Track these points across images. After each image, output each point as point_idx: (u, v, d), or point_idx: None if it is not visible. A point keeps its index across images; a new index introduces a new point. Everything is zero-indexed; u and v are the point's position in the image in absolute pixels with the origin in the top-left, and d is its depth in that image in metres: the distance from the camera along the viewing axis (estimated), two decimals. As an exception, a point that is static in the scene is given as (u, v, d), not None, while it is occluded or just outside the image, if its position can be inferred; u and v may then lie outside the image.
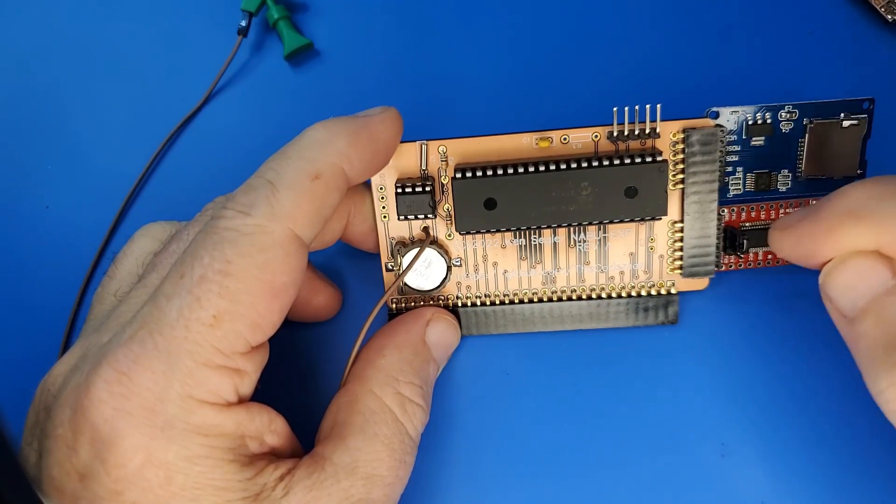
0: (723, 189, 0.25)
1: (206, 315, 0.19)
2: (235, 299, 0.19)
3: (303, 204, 0.21)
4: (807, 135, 0.25)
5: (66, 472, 0.19)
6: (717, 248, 0.25)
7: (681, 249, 0.25)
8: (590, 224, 0.24)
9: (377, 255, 0.26)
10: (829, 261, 0.20)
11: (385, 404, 0.23)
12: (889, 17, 0.28)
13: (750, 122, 0.25)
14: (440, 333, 0.25)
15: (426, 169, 0.25)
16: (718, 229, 0.25)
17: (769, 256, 0.26)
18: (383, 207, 0.26)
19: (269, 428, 0.21)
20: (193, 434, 0.19)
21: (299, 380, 0.27)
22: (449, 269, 0.26)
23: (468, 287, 0.26)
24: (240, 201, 0.20)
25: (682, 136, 0.24)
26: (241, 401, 0.20)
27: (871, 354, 0.19)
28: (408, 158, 0.25)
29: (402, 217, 0.25)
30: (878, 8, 0.29)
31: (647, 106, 0.24)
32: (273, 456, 0.21)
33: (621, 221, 0.24)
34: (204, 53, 0.31)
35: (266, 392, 0.22)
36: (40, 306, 0.29)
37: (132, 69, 0.32)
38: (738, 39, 0.29)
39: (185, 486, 0.19)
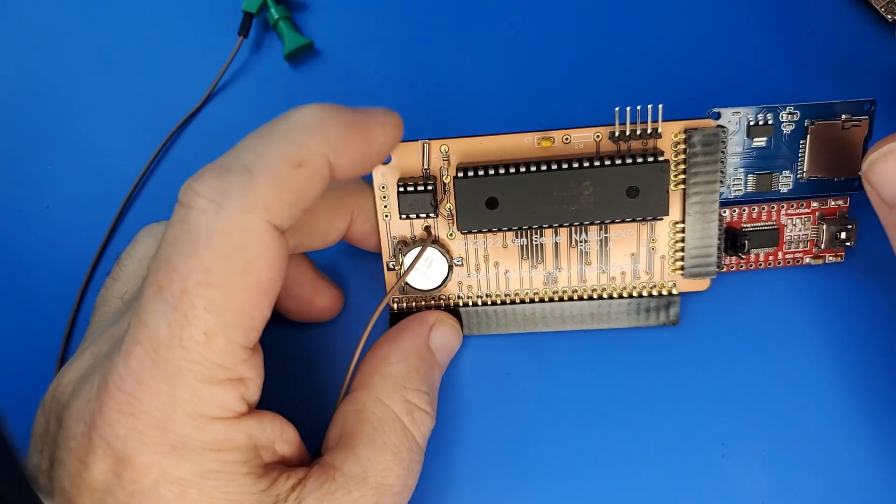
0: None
1: (197, 333, 0.18)
2: (223, 311, 0.18)
3: (282, 194, 0.19)
4: (808, 136, 0.25)
5: (77, 485, 0.19)
6: (719, 248, 0.25)
7: (682, 250, 0.25)
8: (591, 224, 0.24)
9: (378, 255, 0.26)
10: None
11: (393, 412, 0.23)
12: (889, 17, 0.28)
13: (751, 123, 0.25)
14: (444, 338, 0.25)
15: (428, 168, 0.25)
16: (720, 230, 0.25)
17: (770, 257, 0.26)
18: (385, 206, 0.26)
19: (281, 437, 0.21)
20: (206, 451, 0.19)
21: (301, 380, 0.27)
22: (450, 268, 0.26)
23: (469, 287, 0.26)
24: (211, 184, 0.18)
25: (683, 136, 0.24)
26: (251, 408, 0.20)
27: None
28: (410, 157, 0.25)
29: (403, 216, 0.25)
30: (878, 8, 0.29)
31: (649, 106, 0.24)
32: (283, 465, 0.21)
33: (623, 221, 0.24)
34: (204, 53, 0.31)
35: (268, 393, 0.22)
36: (40, 306, 0.29)
37: (132, 69, 0.32)
38: (739, 40, 0.29)
39: (199, 501, 0.19)
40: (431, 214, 0.25)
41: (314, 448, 0.23)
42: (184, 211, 0.19)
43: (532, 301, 0.26)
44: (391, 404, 0.23)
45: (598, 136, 0.24)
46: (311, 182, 0.19)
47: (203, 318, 0.18)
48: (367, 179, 0.25)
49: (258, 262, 0.19)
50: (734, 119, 0.25)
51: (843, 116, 0.25)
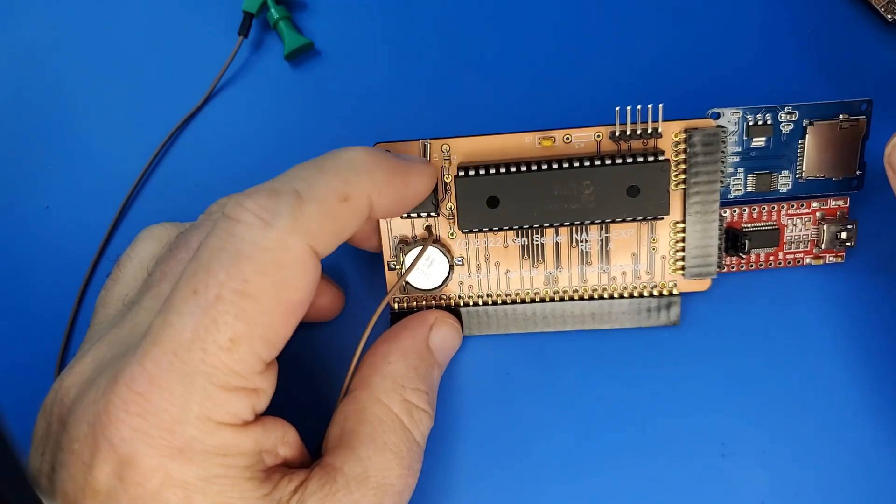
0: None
1: (223, 338, 0.19)
2: (253, 321, 0.19)
3: (326, 223, 0.20)
4: (806, 136, 0.25)
5: (80, 488, 0.19)
6: (719, 248, 0.25)
7: (683, 250, 0.25)
8: (592, 223, 0.24)
9: (378, 255, 0.26)
10: None
11: (393, 412, 0.23)
12: (889, 17, 0.29)
13: (750, 123, 0.25)
14: (444, 337, 0.25)
15: (429, 168, 0.25)
16: (720, 230, 0.25)
17: (771, 258, 0.26)
18: (385, 207, 0.26)
19: (283, 440, 0.21)
20: (212, 455, 0.19)
21: (301, 380, 0.27)
22: (451, 267, 0.26)
23: (470, 286, 0.26)
24: (261, 203, 0.19)
25: (683, 136, 0.24)
26: (257, 416, 0.20)
27: None
28: (410, 158, 0.25)
29: (404, 215, 0.25)
30: (878, 8, 0.29)
31: (650, 106, 0.24)
32: (285, 467, 0.21)
33: (623, 221, 0.24)
34: (204, 53, 0.31)
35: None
36: (40, 306, 0.29)
37: (132, 69, 0.32)
38: (738, 40, 0.29)
39: None
40: (432, 213, 0.25)
41: (314, 448, 0.23)
42: (230, 224, 0.19)
43: (533, 301, 0.26)
44: (390, 404, 0.23)
45: (598, 136, 0.25)
46: (352, 217, 0.21)
47: (232, 325, 0.19)
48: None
49: (294, 282, 0.19)
50: (734, 119, 0.25)
51: (841, 116, 0.25)
